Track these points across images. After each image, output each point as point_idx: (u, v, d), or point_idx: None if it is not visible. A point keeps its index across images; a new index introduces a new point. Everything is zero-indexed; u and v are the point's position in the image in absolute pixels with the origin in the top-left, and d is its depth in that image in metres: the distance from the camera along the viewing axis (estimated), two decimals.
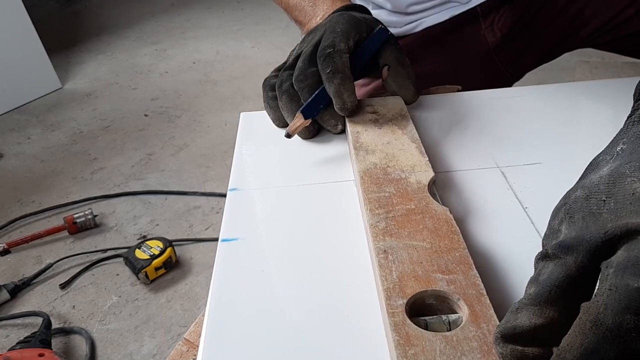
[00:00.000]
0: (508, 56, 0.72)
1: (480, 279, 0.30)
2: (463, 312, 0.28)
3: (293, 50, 0.52)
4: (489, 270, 0.34)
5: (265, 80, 0.52)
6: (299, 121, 0.46)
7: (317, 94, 0.46)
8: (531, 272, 0.34)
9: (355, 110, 0.48)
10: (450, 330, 0.28)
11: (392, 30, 0.72)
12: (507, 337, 0.23)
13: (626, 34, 0.65)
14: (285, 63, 0.51)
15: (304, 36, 0.53)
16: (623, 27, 0.65)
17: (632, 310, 0.19)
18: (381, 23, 0.51)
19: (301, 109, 0.46)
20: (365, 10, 0.56)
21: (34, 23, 2.03)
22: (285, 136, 0.47)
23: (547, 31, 0.69)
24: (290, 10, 0.62)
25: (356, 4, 0.56)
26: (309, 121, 0.47)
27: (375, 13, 0.70)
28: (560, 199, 0.27)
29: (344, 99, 0.46)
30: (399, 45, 0.51)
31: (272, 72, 0.53)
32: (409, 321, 0.27)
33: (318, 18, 0.57)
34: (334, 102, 0.46)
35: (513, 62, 0.73)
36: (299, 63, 0.48)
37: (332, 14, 0.54)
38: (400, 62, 0.50)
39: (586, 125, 0.51)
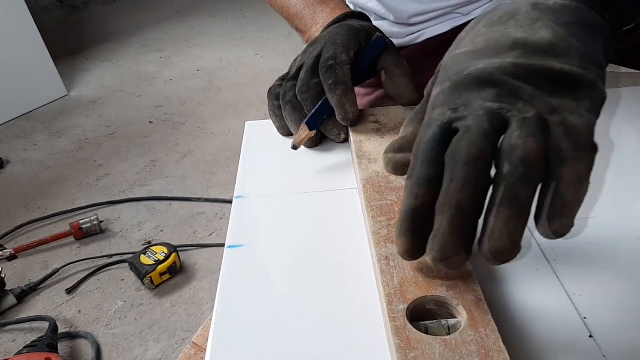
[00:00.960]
0: None
1: (478, 284, 0.31)
2: (462, 317, 0.29)
3: (295, 60, 0.53)
4: (487, 277, 0.35)
5: (270, 89, 0.53)
6: (304, 132, 0.47)
7: (320, 105, 0.48)
8: (529, 277, 0.35)
9: (358, 120, 0.49)
10: (449, 334, 0.29)
11: (395, 41, 0.73)
12: (389, 149, 0.34)
13: (627, 47, 0.66)
14: (288, 73, 0.53)
15: (305, 47, 0.54)
16: (624, 40, 0.65)
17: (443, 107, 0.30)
18: (379, 30, 0.53)
19: (306, 120, 0.47)
20: (364, 17, 0.57)
21: (40, 31, 2.06)
22: (291, 148, 0.48)
23: None
24: (291, 19, 0.63)
25: (356, 11, 0.58)
26: (313, 132, 0.48)
27: (378, 24, 0.71)
28: None
29: (346, 110, 0.47)
30: (397, 50, 0.53)
31: (276, 81, 0.54)
32: (409, 325, 0.29)
33: (318, 26, 0.58)
34: (336, 113, 0.48)
35: None
36: (302, 74, 0.49)
37: (331, 23, 0.55)
38: (396, 63, 0.51)
39: None
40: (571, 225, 0.28)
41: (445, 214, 0.27)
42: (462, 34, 0.34)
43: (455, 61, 0.32)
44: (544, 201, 0.27)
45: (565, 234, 0.28)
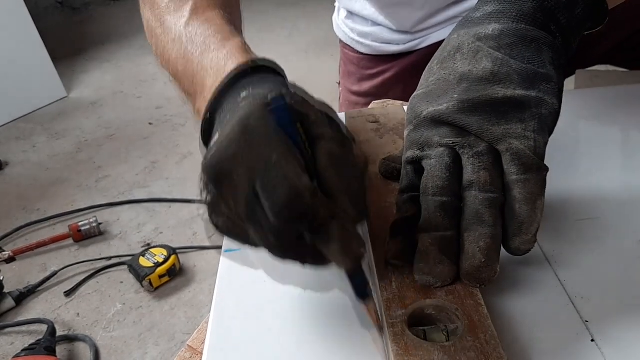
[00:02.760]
0: None
1: (478, 289, 0.31)
2: (461, 322, 0.29)
3: (202, 193, 0.29)
4: None
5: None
6: (371, 309, 0.31)
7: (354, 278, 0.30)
8: (530, 279, 0.35)
9: (356, 121, 0.49)
10: (448, 340, 0.28)
11: (394, 48, 0.68)
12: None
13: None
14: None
15: (204, 170, 0.28)
16: (637, 49, 0.64)
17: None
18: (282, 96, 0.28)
19: (359, 299, 0.30)
20: (268, 69, 0.35)
21: (39, 32, 2.05)
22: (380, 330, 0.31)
23: None
24: (178, 79, 0.39)
25: (250, 61, 0.34)
26: (372, 300, 0.31)
27: (375, 30, 0.69)
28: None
29: (354, 252, 0.28)
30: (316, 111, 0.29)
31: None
32: (408, 331, 0.28)
33: (205, 93, 0.34)
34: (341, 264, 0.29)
35: None
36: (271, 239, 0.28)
37: (216, 98, 0.32)
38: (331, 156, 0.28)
39: (586, 132, 0.51)
40: (532, 241, 0.31)
41: (426, 234, 0.31)
42: (424, 71, 0.37)
43: (413, 104, 0.35)
44: (505, 221, 0.31)
45: (527, 251, 0.31)
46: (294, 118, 0.28)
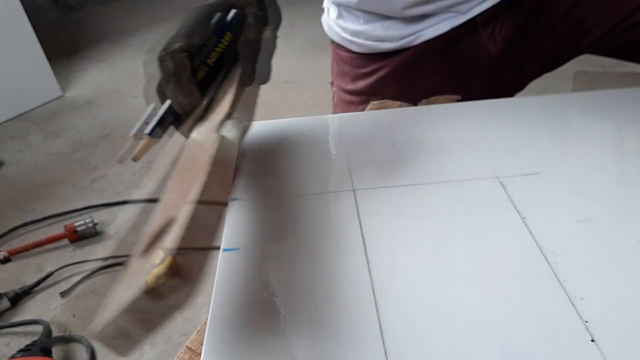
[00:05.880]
0: (510, 66, 0.72)
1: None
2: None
3: None
4: (485, 279, 0.34)
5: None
6: (146, 143, 0.44)
7: (162, 111, 0.45)
8: (529, 279, 0.35)
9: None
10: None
11: (389, 45, 0.69)
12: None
13: (630, 41, 0.65)
14: None
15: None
16: (627, 34, 0.64)
17: None
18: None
19: (148, 131, 0.44)
20: None
21: (35, 31, 2.04)
22: (132, 160, 0.44)
23: (548, 40, 0.69)
24: None
25: None
26: (157, 140, 0.44)
27: (367, 28, 0.68)
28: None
29: (179, 101, 0.44)
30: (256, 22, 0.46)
31: None
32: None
33: None
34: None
35: (515, 72, 0.73)
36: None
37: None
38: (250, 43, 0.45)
39: (584, 135, 0.51)
40: None
41: None
42: None
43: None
44: None
45: None
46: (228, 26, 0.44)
